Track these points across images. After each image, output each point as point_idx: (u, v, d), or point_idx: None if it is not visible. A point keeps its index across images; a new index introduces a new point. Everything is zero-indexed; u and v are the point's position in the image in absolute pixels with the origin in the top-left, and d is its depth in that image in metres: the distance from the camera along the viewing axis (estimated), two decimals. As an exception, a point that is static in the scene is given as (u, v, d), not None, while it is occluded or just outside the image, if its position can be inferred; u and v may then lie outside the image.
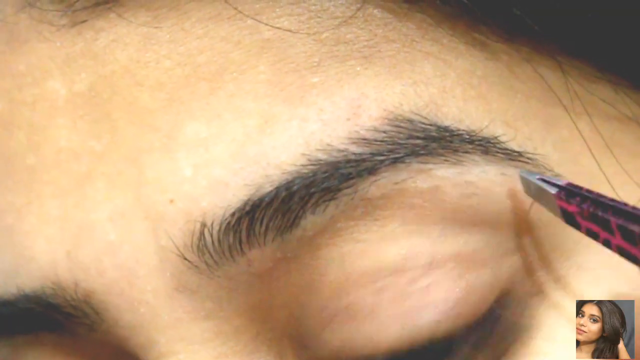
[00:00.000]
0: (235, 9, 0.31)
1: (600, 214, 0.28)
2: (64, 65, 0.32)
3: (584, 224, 0.29)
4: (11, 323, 0.34)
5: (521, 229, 0.31)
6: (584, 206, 0.29)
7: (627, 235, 0.28)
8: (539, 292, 0.31)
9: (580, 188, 0.30)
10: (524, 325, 0.31)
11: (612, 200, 0.29)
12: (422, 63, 0.31)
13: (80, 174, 0.32)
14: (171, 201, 0.31)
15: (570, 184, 0.30)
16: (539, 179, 0.30)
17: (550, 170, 0.31)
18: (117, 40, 0.31)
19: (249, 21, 0.30)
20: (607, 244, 0.28)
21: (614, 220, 0.28)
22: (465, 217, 0.31)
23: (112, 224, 0.31)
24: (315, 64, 0.30)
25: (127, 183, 0.31)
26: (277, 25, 0.30)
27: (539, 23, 0.31)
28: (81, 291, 0.32)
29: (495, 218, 0.31)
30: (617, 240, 0.28)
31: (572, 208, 0.29)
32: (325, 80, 0.30)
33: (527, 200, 0.31)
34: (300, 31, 0.30)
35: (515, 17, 0.31)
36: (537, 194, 0.30)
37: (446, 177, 0.30)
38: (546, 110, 0.32)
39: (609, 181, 0.32)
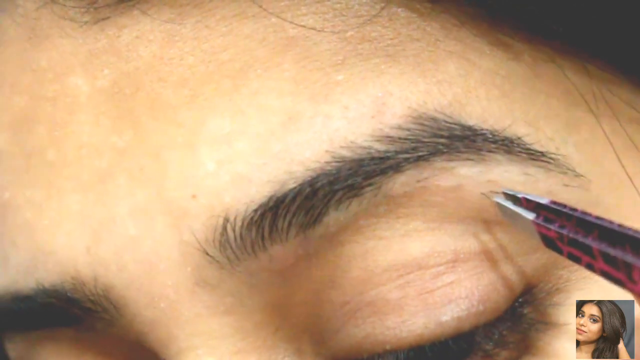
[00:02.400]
0: (260, 6, 0.31)
1: (580, 239, 0.28)
2: (86, 62, 0.32)
3: (566, 248, 0.29)
4: (28, 318, 0.34)
5: None
6: (564, 232, 0.28)
7: (609, 259, 0.27)
8: (562, 289, 0.32)
9: (564, 206, 0.29)
10: (547, 323, 0.32)
11: (597, 218, 0.28)
12: (446, 62, 0.31)
13: (102, 170, 0.32)
14: (193, 196, 0.31)
15: (553, 202, 0.29)
16: (516, 202, 0.30)
17: (572, 171, 0.31)
18: (141, 37, 0.32)
19: (273, 19, 0.31)
20: (590, 267, 0.28)
21: (594, 246, 0.27)
22: (488, 215, 0.31)
23: (133, 219, 0.31)
24: (339, 62, 0.31)
25: (149, 179, 0.31)
26: (302, 24, 0.31)
27: (562, 25, 0.31)
28: (101, 286, 0.32)
29: None
30: (600, 264, 0.27)
31: (551, 234, 0.29)
32: (350, 78, 0.30)
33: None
34: (325, 29, 0.31)
35: (539, 19, 0.31)
36: (513, 219, 0.30)
37: (469, 175, 0.31)
38: (567, 111, 0.32)
39: (632, 182, 0.32)
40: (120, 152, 0.32)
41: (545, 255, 0.31)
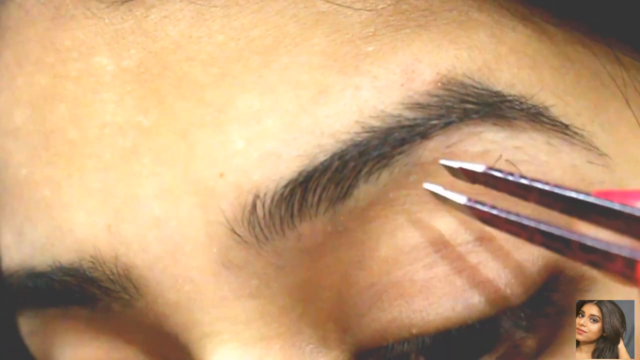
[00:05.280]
0: None
1: (512, 218, 0.29)
2: (112, 42, 0.32)
3: (503, 225, 0.29)
4: (43, 295, 0.33)
5: None
6: (495, 212, 0.29)
7: (544, 234, 0.28)
8: (589, 274, 0.31)
9: (500, 171, 0.29)
10: (574, 310, 0.31)
11: (533, 180, 0.29)
12: (478, 31, 0.31)
13: (126, 149, 0.31)
14: (221, 175, 0.30)
15: (489, 168, 0.29)
16: (454, 172, 0.30)
17: (596, 148, 0.31)
18: (169, 17, 0.31)
19: None
20: (531, 240, 0.29)
21: (528, 223, 0.28)
22: None
23: (158, 199, 0.31)
24: (370, 33, 0.30)
25: (175, 158, 0.31)
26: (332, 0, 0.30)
27: (596, 13, 0.31)
28: (121, 265, 0.31)
29: None
30: (538, 237, 0.28)
31: (484, 215, 0.30)
32: (380, 48, 0.30)
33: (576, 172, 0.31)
34: (355, 5, 0.30)
35: (572, 5, 0.31)
36: (445, 202, 0.30)
37: (496, 141, 0.30)
38: (596, 91, 0.32)
39: None
40: (145, 131, 0.31)
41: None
